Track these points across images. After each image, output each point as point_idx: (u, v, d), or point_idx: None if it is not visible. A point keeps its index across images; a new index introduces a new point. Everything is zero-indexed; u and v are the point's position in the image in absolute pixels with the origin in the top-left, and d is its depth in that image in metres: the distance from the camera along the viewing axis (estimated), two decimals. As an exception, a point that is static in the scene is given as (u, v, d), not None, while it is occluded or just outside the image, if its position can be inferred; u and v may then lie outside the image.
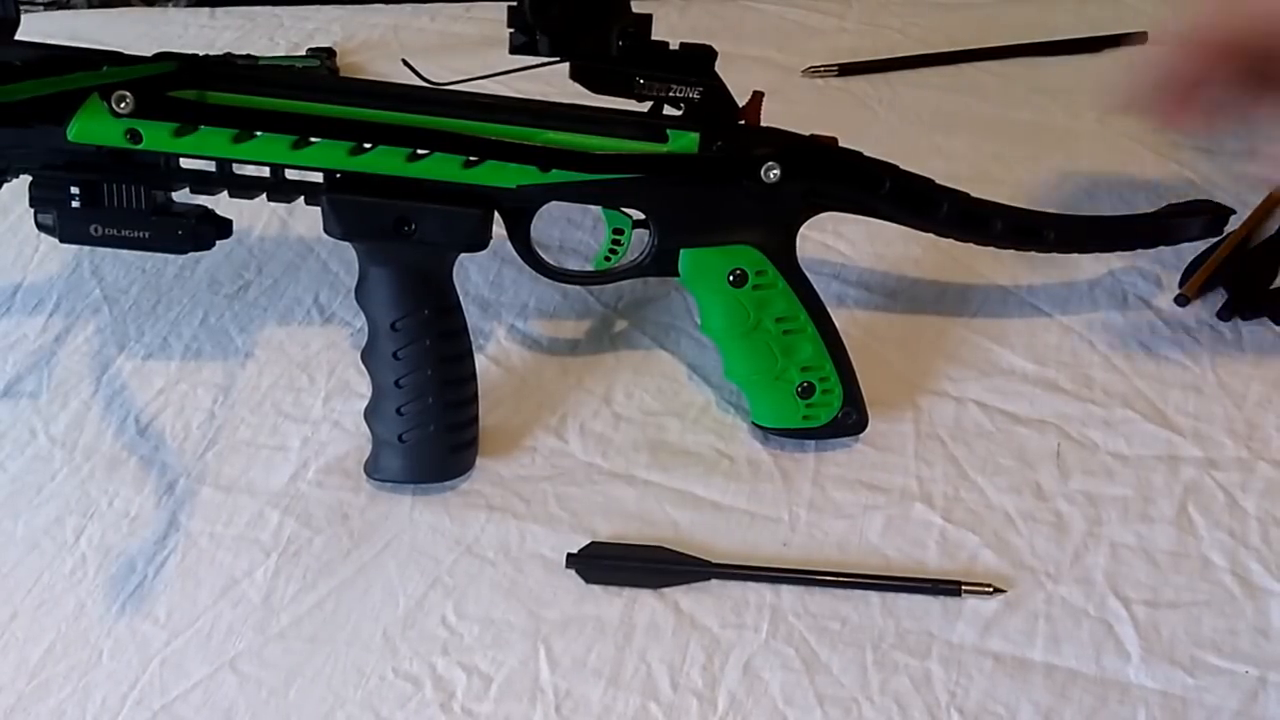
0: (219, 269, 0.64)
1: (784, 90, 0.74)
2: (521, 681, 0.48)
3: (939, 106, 0.73)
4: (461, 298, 0.61)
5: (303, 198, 0.50)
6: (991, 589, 0.49)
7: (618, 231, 0.55)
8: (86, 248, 0.65)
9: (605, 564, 0.51)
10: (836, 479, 0.54)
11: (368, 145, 0.48)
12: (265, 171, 0.49)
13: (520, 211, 0.52)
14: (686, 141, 0.50)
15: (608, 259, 0.56)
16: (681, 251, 0.53)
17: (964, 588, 0.49)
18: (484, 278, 0.63)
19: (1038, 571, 0.50)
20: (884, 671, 0.47)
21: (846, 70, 0.75)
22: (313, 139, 0.48)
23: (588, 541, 0.51)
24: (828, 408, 0.54)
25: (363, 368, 0.52)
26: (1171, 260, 0.62)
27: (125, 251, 0.65)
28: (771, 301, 0.53)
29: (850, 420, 0.54)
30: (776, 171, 0.51)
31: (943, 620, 0.49)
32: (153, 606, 0.50)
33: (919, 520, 0.52)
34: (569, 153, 0.50)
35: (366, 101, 0.49)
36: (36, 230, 0.66)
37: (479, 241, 0.51)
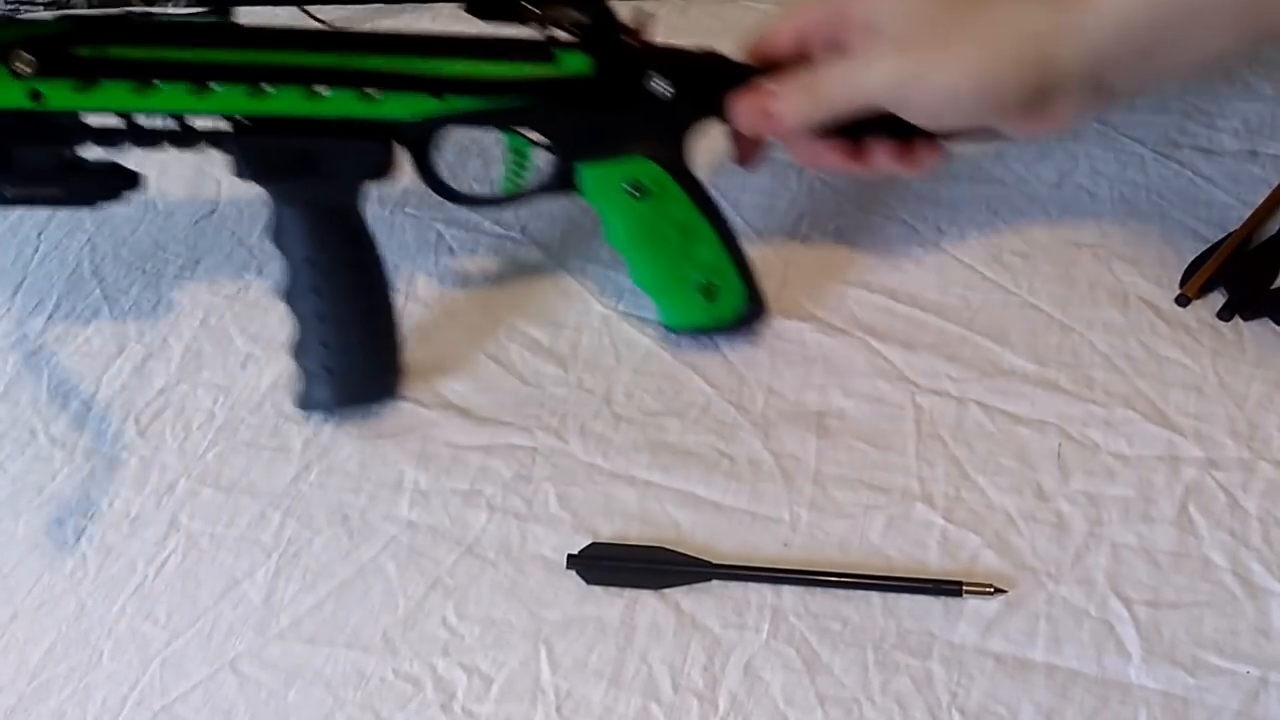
0: (219, 269, 0.64)
1: (784, 90, 0.74)
2: (522, 682, 0.48)
3: (939, 106, 0.73)
4: (462, 296, 0.61)
5: (210, 146, 0.51)
6: (993, 589, 0.49)
7: (519, 154, 0.56)
8: (86, 248, 0.65)
9: (606, 565, 0.51)
10: (837, 479, 0.54)
11: (267, 87, 0.49)
12: (172, 123, 0.51)
13: (421, 141, 0.54)
14: (576, 62, 0.52)
15: (512, 182, 0.57)
16: (581, 168, 0.55)
17: (965, 588, 0.49)
18: (484, 277, 0.63)
19: (1039, 572, 0.50)
20: (885, 672, 0.47)
21: (847, 70, 0.75)
22: (214, 86, 0.49)
23: (588, 542, 0.51)
24: (731, 304, 0.58)
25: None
26: (1172, 260, 0.62)
27: (126, 252, 0.65)
28: (669, 208, 0.56)
29: (753, 314, 0.59)
30: (665, 85, 0.53)
31: (944, 620, 0.49)
32: (153, 607, 0.50)
33: (920, 520, 0.52)
34: (462, 80, 0.51)
35: (264, 45, 0.50)
36: (37, 230, 0.67)
37: (384, 172, 0.53)
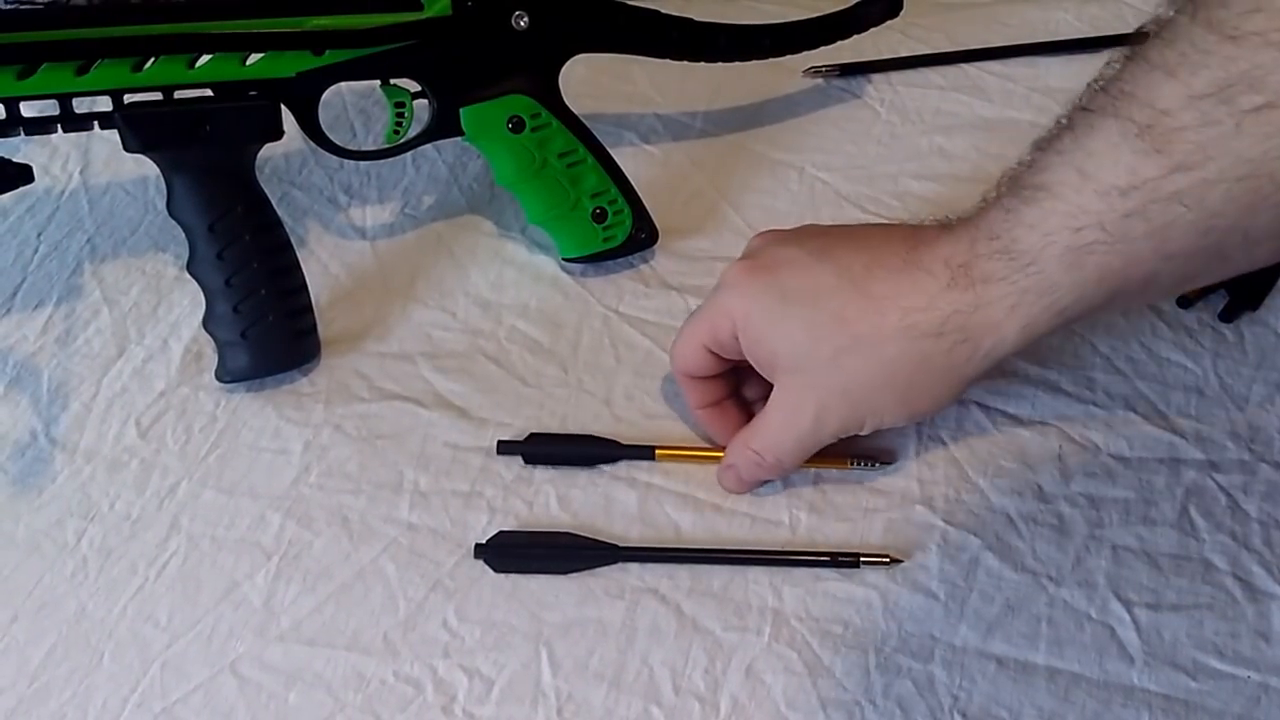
0: (219, 270, 0.64)
1: (785, 90, 0.74)
2: (523, 684, 0.47)
3: (939, 106, 0.73)
4: (462, 297, 0.61)
5: (99, 124, 0.52)
6: (889, 559, 0.50)
7: (399, 105, 0.58)
8: (86, 248, 0.65)
9: (514, 553, 0.51)
10: (837, 481, 0.54)
11: (148, 61, 0.50)
12: (56, 107, 0.51)
13: (305, 98, 0.55)
14: (441, 5, 0.55)
15: (395, 133, 0.59)
16: (461, 111, 0.57)
17: (863, 559, 0.50)
18: (484, 278, 0.63)
19: (1039, 574, 0.50)
20: (887, 675, 0.47)
21: (847, 70, 0.75)
22: (94, 63, 0.50)
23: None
24: (622, 227, 0.61)
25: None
26: (1173, 261, 0.62)
27: (126, 252, 0.65)
28: (551, 140, 0.59)
29: (643, 236, 0.62)
30: (525, 19, 0.56)
31: (945, 623, 0.49)
32: (154, 609, 0.50)
33: (920, 523, 0.52)
34: (337, 32, 0.53)
35: (139, 20, 0.50)
36: (37, 231, 0.67)
37: (272, 133, 0.55)
